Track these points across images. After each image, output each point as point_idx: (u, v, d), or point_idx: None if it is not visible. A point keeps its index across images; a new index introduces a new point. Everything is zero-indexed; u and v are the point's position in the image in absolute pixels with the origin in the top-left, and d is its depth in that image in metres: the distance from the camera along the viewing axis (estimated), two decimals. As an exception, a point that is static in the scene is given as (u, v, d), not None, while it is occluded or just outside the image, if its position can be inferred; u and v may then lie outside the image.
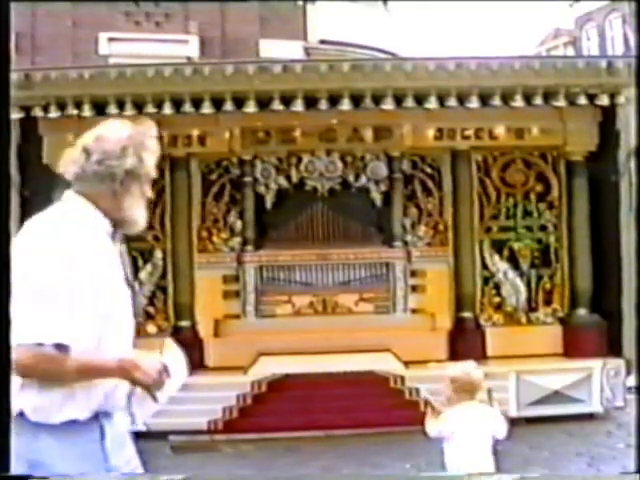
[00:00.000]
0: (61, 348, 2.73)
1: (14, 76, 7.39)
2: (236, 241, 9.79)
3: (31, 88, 8.38)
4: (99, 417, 2.89)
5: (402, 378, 9.06)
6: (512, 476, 4.95)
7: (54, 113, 8.55)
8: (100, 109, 8.41)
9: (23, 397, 2.79)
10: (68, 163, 2.99)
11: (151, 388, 2.93)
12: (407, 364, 9.12)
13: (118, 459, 2.92)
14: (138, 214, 3.04)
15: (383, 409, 8.84)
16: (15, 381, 2.78)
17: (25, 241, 2.86)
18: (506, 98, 8.76)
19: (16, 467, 2.80)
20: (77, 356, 2.77)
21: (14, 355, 2.72)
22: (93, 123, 3.04)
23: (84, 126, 3.13)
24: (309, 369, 8.80)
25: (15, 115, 7.90)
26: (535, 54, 35.86)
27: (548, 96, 8.80)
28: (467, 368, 5.28)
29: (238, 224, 9.79)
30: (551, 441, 8.29)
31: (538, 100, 8.78)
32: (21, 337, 2.72)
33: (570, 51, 39.84)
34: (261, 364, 9.15)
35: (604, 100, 8.84)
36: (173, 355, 3.06)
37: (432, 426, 5.24)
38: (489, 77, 8.63)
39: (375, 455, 7.91)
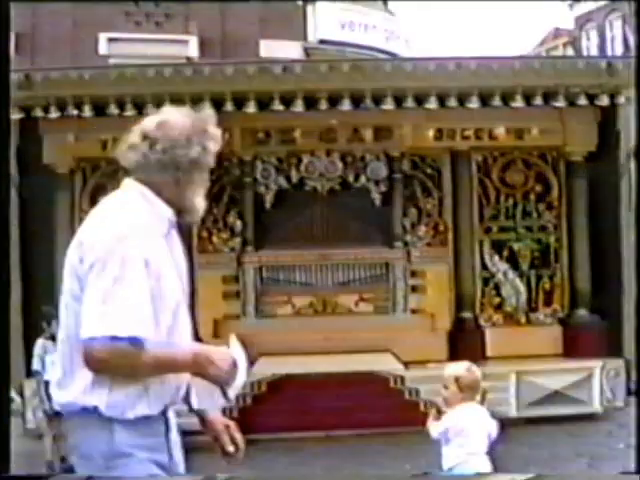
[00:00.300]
0: (135, 342, 2.67)
1: (14, 76, 7.39)
2: (236, 241, 9.77)
3: (31, 88, 8.36)
4: (164, 411, 2.88)
5: (402, 378, 9.06)
6: (511, 476, 4.94)
7: (54, 113, 8.52)
8: (100, 109, 8.38)
9: (95, 393, 2.75)
10: (126, 150, 2.90)
11: (222, 383, 2.90)
12: (407, 364, 9.11)
13: (177, 451, 2.94)
14: (199, 203, 3.01)
15: (383, 409, 8.83)
16: (84, 376, 2.74)
17: (91, 234, 2.80)
18: (506, 98, 8.76)
19: (91, 460, 2.78)
20: (151, 350, 2.71)
21: (86, 349, 2.67)
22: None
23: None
24: (309, 369, 8.79)
25: (15, 115, 7.90)
26: (535, 54, 35.92)
27: (548, 96, 8.80)
28: (471, 367, 5.28)
29: (238, 224, 9.78)
30: (551, 441, 8.28)
31: (538, 100, 8.77)
32: (94, 331, 2.65)
33: (570, 51, 39.81)
34: (261, 364, 9.14)
35: (604, 100, 8.84)
36: (238, 351, 3.01)
37: (434, 426, 5.24)
38: (489, 77, 8.64)
39: (375, 455, 7.90)
